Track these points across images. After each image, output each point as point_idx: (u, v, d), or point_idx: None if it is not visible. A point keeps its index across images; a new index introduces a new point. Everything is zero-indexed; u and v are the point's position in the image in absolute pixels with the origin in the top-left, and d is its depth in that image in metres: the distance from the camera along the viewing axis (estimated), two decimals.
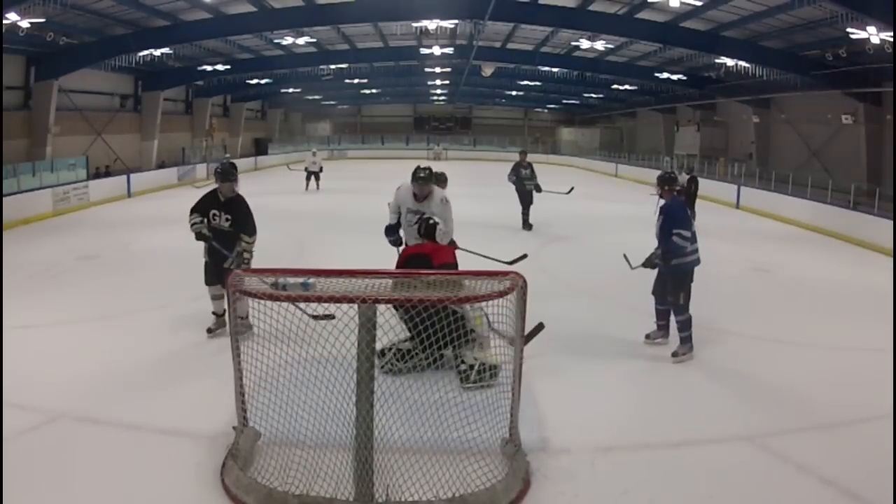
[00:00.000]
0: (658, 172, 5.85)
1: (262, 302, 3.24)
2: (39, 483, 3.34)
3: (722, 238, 12.16)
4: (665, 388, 4.93)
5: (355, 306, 3.17)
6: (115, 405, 4.26)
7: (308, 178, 19.68)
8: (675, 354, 5.46)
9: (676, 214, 5.42)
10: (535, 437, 3.88)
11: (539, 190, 12.23)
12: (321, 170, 19.95)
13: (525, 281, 3.41)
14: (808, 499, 3.39)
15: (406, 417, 3.59)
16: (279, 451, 3.45)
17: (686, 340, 5.46)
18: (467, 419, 3.50)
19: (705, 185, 20.68)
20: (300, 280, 3.34)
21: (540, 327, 4.92)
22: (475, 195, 17.72)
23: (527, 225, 12.32)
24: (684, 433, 4.07)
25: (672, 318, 5.56)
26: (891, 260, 10.05)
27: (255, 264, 3.54)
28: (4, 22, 12.49)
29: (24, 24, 13.10)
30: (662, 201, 5.59)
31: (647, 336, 5.74)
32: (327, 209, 15.35)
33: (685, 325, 5.44)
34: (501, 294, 3.25)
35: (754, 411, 4.42)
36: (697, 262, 5.48)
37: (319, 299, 3.20)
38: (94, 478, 3.42)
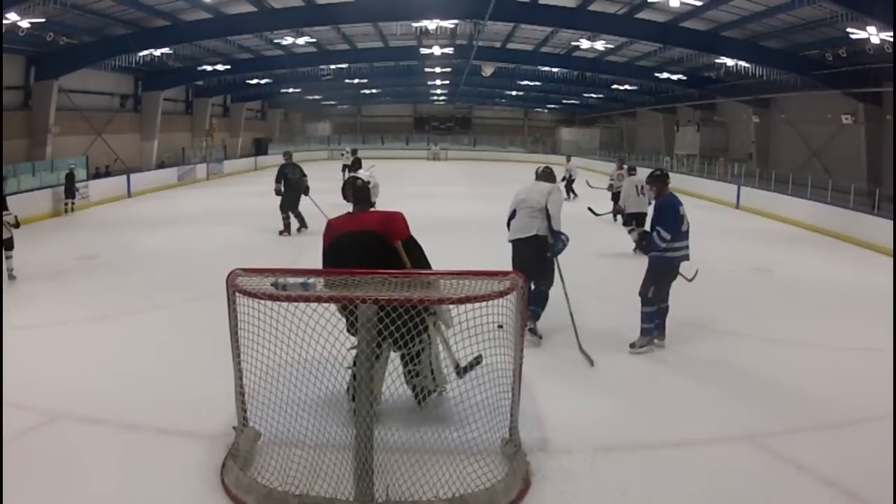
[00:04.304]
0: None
1: (263, 302, 3.24)
2: (39, 483, 3.34)
3: (722, 238, 12.16)
4: (665, 387, 4.93)
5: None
6: (115, 405, 4.26)
7: (343, 171, 21.56)
8: (632, 345, 5.49)
9: (663, 212, 5.46)
10: (535, 437, 3.87)
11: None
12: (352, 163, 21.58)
13: (525, 281, 3.41)
14: (808, 499, 3.38)
15: (406, 417, 3.59)
16: (279, 451, 3.45)
17: (646, 333, 5.48)
18: (467, 419, 3.50)
19: (706, 185, 20.85)
20: (300, 280, 3.34)
21: (479, 360, 3.85)
22: (475, 195, 17.75)
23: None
24: (684, 433, 4.06)
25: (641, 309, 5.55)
26: (891, 260, 10.05)
27: (254, 264, 3.51)
28: (4, 22, 12.49)
29: (24, 24, 13.11)
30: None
31: (631, 345, 5.60)
32: (328, 209, 15.32)
33: (648, 318, 5.46)
34: (501, 294, 3.25)
35: (754, 411, 4.42)
36: (679, 259, 5.47)
37: (319, 299, 3.20)
38: (94, 478, 3.42)
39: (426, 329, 3.78)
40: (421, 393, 3.98)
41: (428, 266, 4.00)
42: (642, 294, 5.51)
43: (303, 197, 11.32)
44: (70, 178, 14.69)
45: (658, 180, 5.67)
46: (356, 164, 12.89)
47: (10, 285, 7.42)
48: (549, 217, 5.51)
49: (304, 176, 11.41)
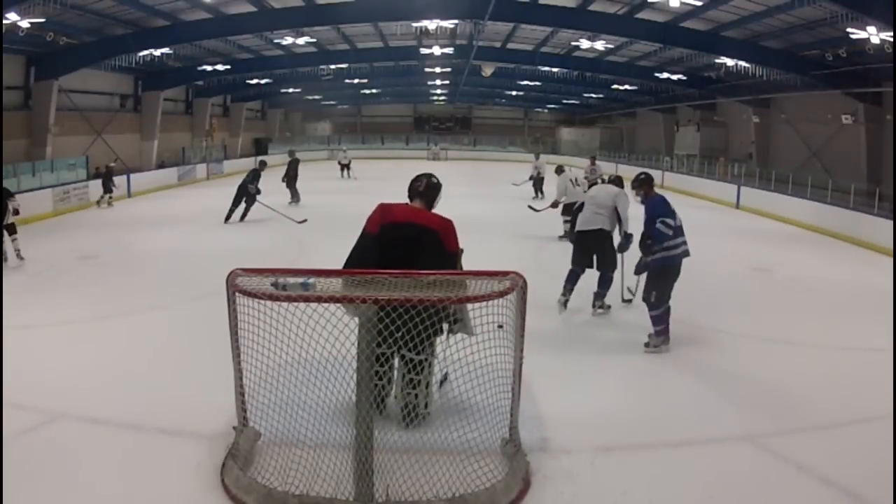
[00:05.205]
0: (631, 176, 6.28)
1: (263, 302, 3.24)
2: (39, 483, 3.34)
3: (722, 238, 12.16)
4: (665, 388, 4.92)
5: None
6: (115, 405, 4.26)
7: (342, 169, 24.72)
8: (647, 345, 5.48)
9: (658, 206, 5.49)
10: (535, 437, 3.87)
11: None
12: (350, 162, 24.98)
13: (525, 281, 3.41)
14: (808, 499, 3.38)
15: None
16: (279, 451, 3.45)
17: (660, 334, 5.47)
18: (467, 419, 3.50)
19: (705, 185, 20.87)
20: (300, 280, 3.34)
21: (445, 377, 4.21)
22: (475, 195, 17.74)
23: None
24: (684, 433, 4.06)
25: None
26: (891, 260, 10.05)
27: (254, 264, 3.50)
28: (4, 22, 12.49)
29: (24, 24, 13.10)
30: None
31: (646, 344, 5.58)
32: (327, 209, 15.34)
33: (658, 321, 5.44)
34: (501, 294, 3.25)
35: (754, 411, 4.42)
36: (680, 256, 5.45)
37: (319, 299, 3.20)
38: (94, 478, 3.42)
39: (437, 337, 3.71)
40: (413, 411, 3.84)
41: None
42: (646, 300, 5.48)
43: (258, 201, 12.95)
44: (108, 174, 16.02)
45: (644, 184, 5.70)
46: (293, 165, 14.88)
47: (10, 285, 7.40)
48: (619, 220, 6.44)
49: (250, 184, 12.84)
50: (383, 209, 4.03)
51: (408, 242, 3.85)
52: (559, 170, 12.04)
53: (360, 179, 23.41)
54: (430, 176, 4.20)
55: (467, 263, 4.22)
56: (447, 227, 3.96)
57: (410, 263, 3.58)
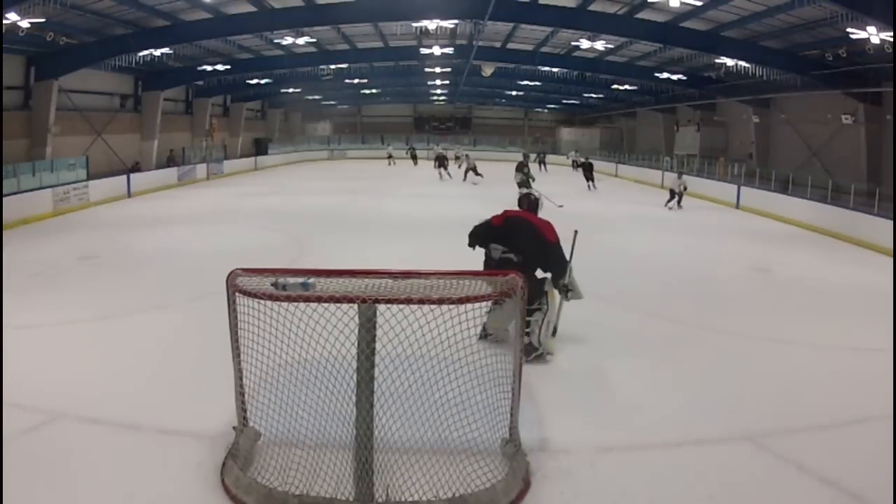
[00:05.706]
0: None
1: (263, 302, 3.24)
2: (39, 483, 3.34)
3: (722, 238, 12.17)
4: (664, 388, 4.92)
5: (355, 306, 3.17)
6: (115, 405, 4.26)
7: (438, 166, 24.92)
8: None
9: None
10: (535, 437, 3.88)
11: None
12: (456, 159, 26.23)
13: (525, 281, 3.41)
14: (808, 499, 3.39)
15: (406, 417, 3.58)
16: (279, 451, 3.46)
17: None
18: (467, 419, 3.50)
19: (706, 185, 20.86)
20: (300, 280, 3.34)
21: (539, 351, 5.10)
22: (475, 195, 17.75)
23: None
24: (684, 433, 4.07)
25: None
26: (891, 260, 10.06)
27: (254, 264, 3.50)
28: (4, 22, 12.49)
29: (24, 24, 13.10)
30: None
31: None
32: (327, 209, 15.36)
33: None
34: (502, 294, 3.25)
35: (754, 411, 4.42)
36: None
37: (319, 299, 3.20)
38: (94, 478, 3.42)
39: (546, 295, 5.15)
40: (525, 348, 4.50)
41: (565, 263, 5.24)
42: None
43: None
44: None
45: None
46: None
47: (11, 285, 7.41)
48: None
49: None
50: (506, 213, 5.55)
51: (518, 230, 5.31)
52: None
53: (360, 179, 23.38)
54: (529, 195, 5.79)
55: (468, 263, 4.22)
56: (545, 224, 5.36)
57: (518, 245, 5.17)
